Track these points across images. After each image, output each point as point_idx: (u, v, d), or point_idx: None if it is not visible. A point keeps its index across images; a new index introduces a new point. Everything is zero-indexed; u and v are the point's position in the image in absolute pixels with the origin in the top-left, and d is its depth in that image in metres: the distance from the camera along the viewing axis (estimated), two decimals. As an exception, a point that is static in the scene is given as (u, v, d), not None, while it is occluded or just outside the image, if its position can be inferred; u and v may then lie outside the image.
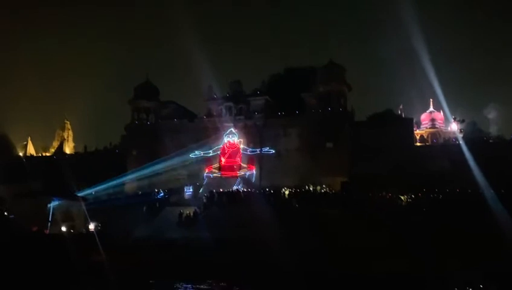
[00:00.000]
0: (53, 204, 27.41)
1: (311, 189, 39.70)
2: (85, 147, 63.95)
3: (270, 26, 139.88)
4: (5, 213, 26.31)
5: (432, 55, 48.68)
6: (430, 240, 28.21)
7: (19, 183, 42.60)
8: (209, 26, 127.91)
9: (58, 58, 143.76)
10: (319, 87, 46.83)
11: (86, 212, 28.48)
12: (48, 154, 72.00)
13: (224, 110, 51.28)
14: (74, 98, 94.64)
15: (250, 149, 49.25)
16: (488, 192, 35.16)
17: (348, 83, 47.10)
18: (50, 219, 26.62)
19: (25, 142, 73.87)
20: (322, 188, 39.80)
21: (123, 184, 50.11)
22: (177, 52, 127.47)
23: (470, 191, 37.10)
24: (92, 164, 55.01)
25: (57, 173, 53.28)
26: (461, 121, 44.16)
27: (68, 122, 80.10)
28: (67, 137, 78.27)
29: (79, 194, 33.68)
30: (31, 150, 72.86)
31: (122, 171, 51.43)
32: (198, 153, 50.24)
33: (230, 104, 51.08)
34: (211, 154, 50.41)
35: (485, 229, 27.84)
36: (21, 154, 70.25)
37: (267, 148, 48.55)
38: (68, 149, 74.98)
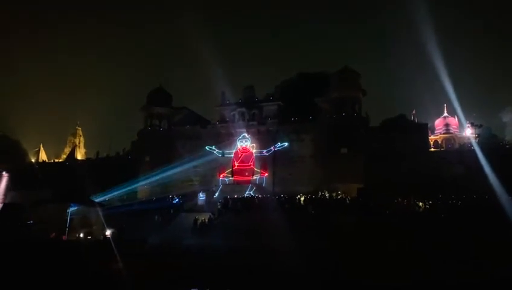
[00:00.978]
0: (71, 210, 27.25)
1: (327, 195, 39.16)
2: (97, 153, 64.01)
3: (282, 31, 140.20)
4: (24, 219, 26.25)
5: (446, 60, 48.29)
6: (450, 247, 27.61)
7: (32, 190, 42.86)
8: (222, 32, 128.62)
9: (70, 66, 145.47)
10: (333, 92, 46.50)
11: (103, 218, 28.26)
12: (59, 160, 72.36)
13: (237, 116, 51.16)
14: (86, 105, 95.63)
15: (266, 150, 48.94)
16: (504, 198, 34.48)
17: (363, 88, 46.64)
18: (68, 225, 26.44)
19: (37, 149, 74.37)
20: (337, 194, 39.24)
21: (136, 190, 50.06)
22: (189, 59, 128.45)
23: (487, 197, 36.38)
24: (104, 170, 55.05)
25: (69, 179, 53.59)
26: (479, 126, 43.46)
27: (80, 129, 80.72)
28: (79, 143, 78.81)
29: (95, 200, 33.53)
30: (43, 156, 73.28)
31: (134, 177, 51.45)
32: (213, 148, 50.39)
33: (243, 109, 50.95)
34: (222, 156, 50.43)
35: (502, 236, 27.23)
36: (33, 160, 70.73)
37: (279, 144, 48.40)
38: (80, 155, 75.36)
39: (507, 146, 48.02)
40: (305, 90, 52.42)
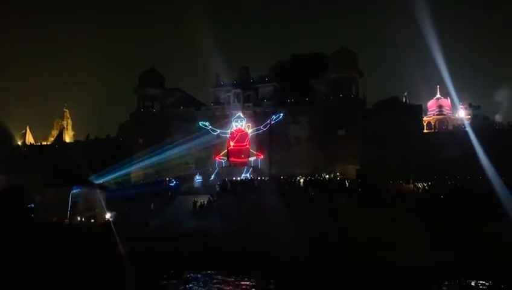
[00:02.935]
0: (73, 193, 26.51)
1: (326, 177, 39.08)
2: (87, 136, 62.67)
3: (276, 12, 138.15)
4: (25, 203, 25.45)
5: (439, 42, 48.00)
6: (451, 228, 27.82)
7: (21, 173, 41.68)
8: (215, 13, 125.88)
9: (58, 46, 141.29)
10: (330, 74, 46.07)
11: (104, 202, 27.62)
12: (47, 143, 70.75)
13: (232, 98, 50.46)
14: (73, 87, 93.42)
15: (263, 125, 48.50)
16: (495, 179, 34.75)
17: (360, 69, 46.28)
18: (69, 209, 25.73)
19: (24, 131, 72.56)
20: (336, 176, 39.19)
21: (129, 173, 49.27)
22: (182, 39, 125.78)
23: (480, 178, 36.67)
24: (96, 153, 53.96)
25: (60, 162, 52.42)
26: (476, 107, 43.65)
27: (67, 111, 78.95)
28: (67, 126, 77.20)
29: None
30: (29, 139, 71.55)
31: (127, 159, 50.55)
32: (208, 125, 49.72)
33: (239, 90, 50.26)
34: (217, 133, 49.91)
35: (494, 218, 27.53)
36: (20, 143, 69.09)
37: (274, 117, 47.91)
38: (68, 138, 73.82)
39: (497, 127, 48.45)
40: (300, 72, 51.88)
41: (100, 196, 28.77)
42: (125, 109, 55.87)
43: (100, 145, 56.74)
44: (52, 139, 72.85)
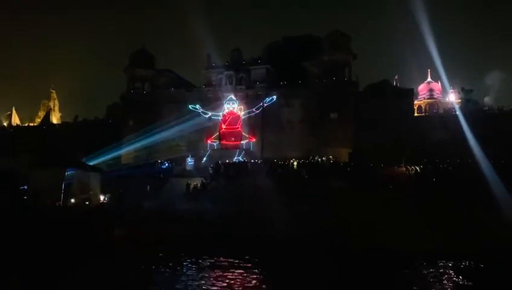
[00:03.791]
0: (67, 175, 26.02)
1: (319, 160, 39.15)
2: (75, 117, 61.69)
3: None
4: (17, 185, 24.94)
5: (430, 25, 47.91)
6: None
7: (7, 155, 40.88)
8: None
9: (45, 24, 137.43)
10: (323, 56, 45.72)
11: (98, 184, 27.20)
12: (34, 124, 69.49)
13: (224, 80, 49.86)
14: (60, 67, 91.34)
15: (256, 107, 48.21)
16: (484, 163, 35.21)
17: (354, 52, 46.03)
18: (63, 191, 25.29)
19: (9, 112, 71.21)
20: (329, 159, 39.29)
21: (120, 155, 48.73)
22: (173, 19, 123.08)
23: (470, 161, 37.12)
24: (85, 134, 53.27)
25: (48, 143, 51.54)
26: (469, 91, 43.94)
27: (54, 92, 77.32)
28: (54, 107, 75.70)
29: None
30: (15, 120, 70.27)
31: (117, 141, 49.98)
32: (198, 108, 49.17)
33: (231, 72, 49.64)
34: (208, 115, 49.36)
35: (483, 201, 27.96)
36: (5, 124, 67.84)
37: (268, 99, 47.82)
38: (55, 119, 72.55)
39: (487, 111, 48.91)
40: (292, 54, 51.39)
41: (95, 178, 28.32)
42: (113, 90, 55.04)
43: (89, 127, 55.96)
44: (39, 120, 71.52)
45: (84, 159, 41.84)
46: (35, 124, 68.70)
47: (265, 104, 47.42)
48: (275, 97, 47.51)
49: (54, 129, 59.68)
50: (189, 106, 49.30)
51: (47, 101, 75.74)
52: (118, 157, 48.48)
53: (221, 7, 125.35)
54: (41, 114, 73.73)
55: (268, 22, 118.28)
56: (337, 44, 44.99)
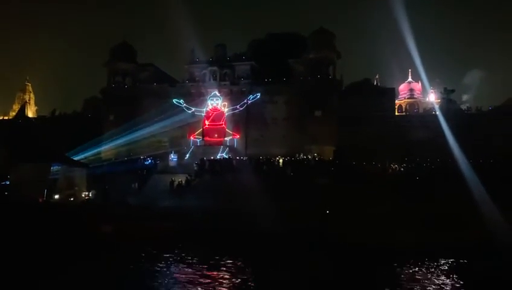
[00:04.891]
0: (52, 170, 25.12)
1: (304, 157, 39.23)
2: (53, 111, 60.00)
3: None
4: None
5: (411, 25, 48.56)
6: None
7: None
8: None
9: (21, 14, 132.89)
10: (308, 53, 45.77)
11: (84, 179, 26.40)
12: (8, 117, 67.34)
13: (208, 75, 49.31)
14: (36, 59, 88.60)
15: (240, 104, 47.94)
16: (463, 162, 35.96)
17: (338, 50, 46.24)
18: (48, 186, 24.41)
19: (-18, 105, 68.76)
20: (314, 156, 39.41)
21: (100, 150, 47.64)
22: (155, 14, 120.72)
23: (449, 160, 37.87)
24: (63, 129, 51.92)
25: (25, 138, 49.93)
26: (451, 91, 44.78)
27: (29, 85, 75.23)
28: (29, 100, 73.65)
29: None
30: (-12, 113, 68.02)
31: (97, 136, 48.88)
32: (182, 102, 48.67)
33: (215, 68, 49.14)
34: (192, 111, 48.92)
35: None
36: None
37: (252, 96, 47.75)
38: (31, 113, 70.60)
39: (466, 111, 50.05)
40: (276, 51, 51.36)
41: (80, 174, 27.48)
42: (91, 84, 53.76)
43: (68, 121, 54.55)
44: (14, 113, 69.38)
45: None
46: (9, 118, 66.62)
47: (250, 102, 47.19)
48: (258, 94, 47.37)
49: (31, 123, 57.84)
50: (174, 100, 48.65)
51: (22, 94, 73.65)
52: (98, 153, 47.36)
53: (204, 1, 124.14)
54: (16, 107, 71.64)
55: (252, 18, 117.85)
56: (322, 42, 45.08)
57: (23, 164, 24.22)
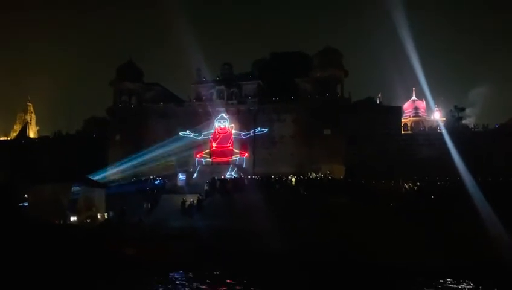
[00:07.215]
0: (74, 191, 24.51)
1: (316, 176, 38.90)
2: (56, 132, 59.36)
3: (257, 9, 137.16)
4: (17, 201, 23.28)
5: (415, 45, 49.04)
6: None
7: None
8: (194, 5, 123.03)
9: (23, 36, 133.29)
10: (315, 72, 45.98)
11: (103, 200, 25.76)
12: (9, 138, 66.72)
13: (215, 94, 49.22)
14: (38, 80, 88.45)
15: (244, 133, 47.68)
16: (469, 180, 35.69)
17: (345, 69, 46.48)
18: (67, 207, 23.76)
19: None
20: (327, 175, 39.10)
21: (106, 171, 47.00)
22: (161, 32, 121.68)
23: (458, 179, 37.66)
24: (67, 149, 51.52)
25: (28, 159, 49.43)
26: (461, 109, 44.95)
27: (31, 105, 74.92)
28: (31, 120, 73.22)
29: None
30: (-12, 133, 67.41)
31: (101, 156, 48.38)
32: (188, 133, 48.18)
33: (222, 87, 49.08)
34: (200, 138, 48.38)
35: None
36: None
37: (259, 129, 47.50)
38: (32, 133, 70.07)
39: (472, 130, 50.16)
40: (280, 70, 51.67)
41: (99, 194, 26.88)
42: (91, 104, 53.57)
43: (72, 141, 54.04)
44: (15, 134, 68.87)
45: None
46: (10, 138, 66.01)
47: (255, 134, 46.99)
48: (266, 130, 47.29)
49: (33, 143, 57.21)
50: (180, 133, 48.27)
51: (23, 114, 73.24)
52: (105, 173, 46.70)
53: (209, 22, 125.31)
54: (18, 128, 71.15)
55: (255, 38, 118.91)
56: (329, 60, 45.34)
57: (42, 184, 23.64)
